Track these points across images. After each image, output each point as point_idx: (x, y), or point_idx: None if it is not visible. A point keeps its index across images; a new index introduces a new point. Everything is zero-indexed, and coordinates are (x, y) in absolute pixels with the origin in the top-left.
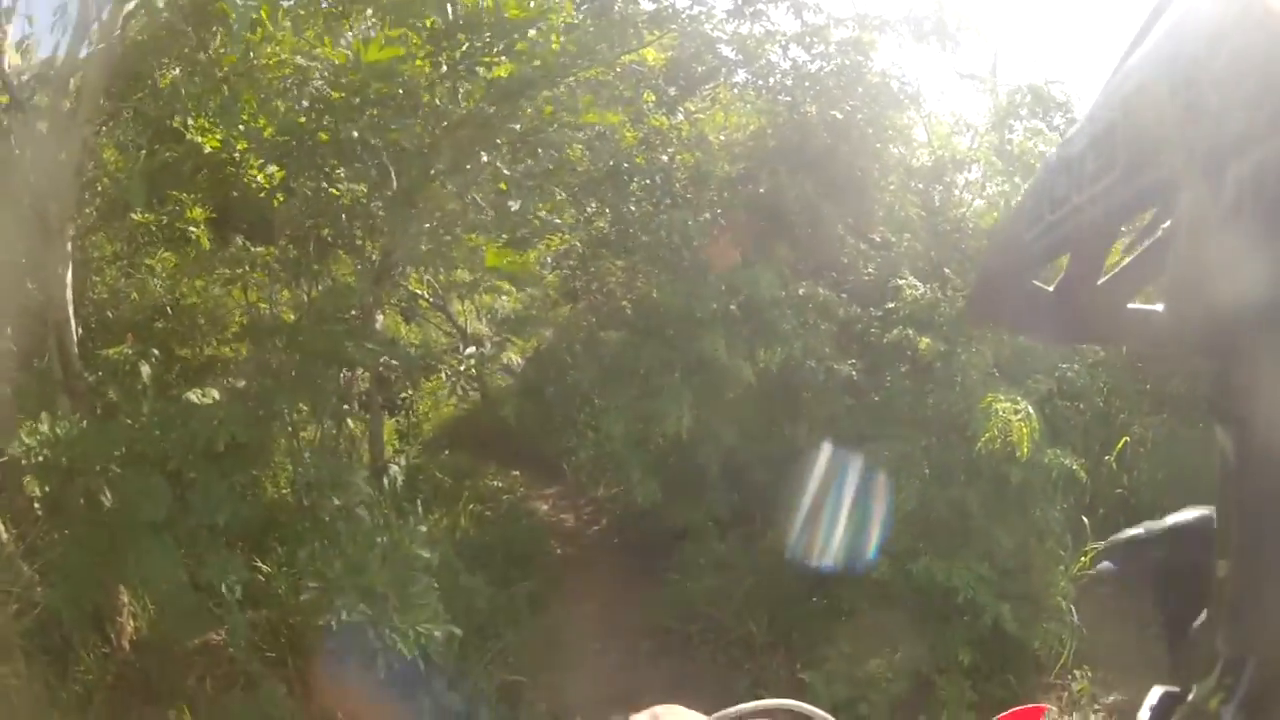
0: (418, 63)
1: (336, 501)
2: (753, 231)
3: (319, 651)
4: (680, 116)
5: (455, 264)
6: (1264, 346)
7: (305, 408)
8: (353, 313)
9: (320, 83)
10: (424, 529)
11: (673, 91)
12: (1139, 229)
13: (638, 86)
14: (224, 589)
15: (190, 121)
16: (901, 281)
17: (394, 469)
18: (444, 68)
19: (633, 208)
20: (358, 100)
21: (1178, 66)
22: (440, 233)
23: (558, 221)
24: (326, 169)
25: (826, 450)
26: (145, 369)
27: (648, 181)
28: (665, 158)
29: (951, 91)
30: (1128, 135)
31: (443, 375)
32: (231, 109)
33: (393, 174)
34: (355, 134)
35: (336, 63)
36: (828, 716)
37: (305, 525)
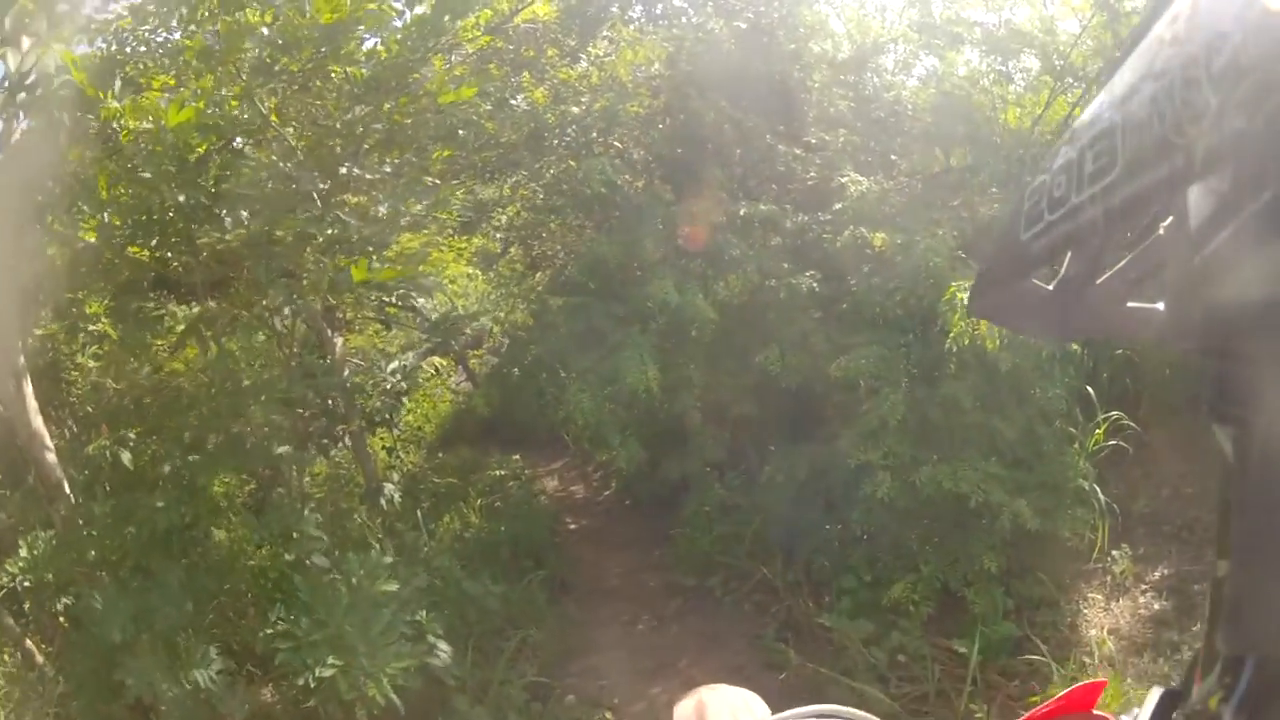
0: (232, 102)
1: (289, 556)
2: (681, 162)
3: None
4: (585, 64)
5: (331, 291)
6: (1264, 346)
7: (234, 475)
8: (275, 361)
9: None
10: (388, 560)
11: (571, 42)
12: (1139, 228)
13: (538, 44)
14: (206, 683)
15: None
16: (844, 179)
17: (388, 488)
18: (278, 93)
19: (555, 168)
20: (191, 158)
21: (1177, 66)
22: (313, 263)
23: (476, 193)
24: (185, 233)
25: (804, 370)
26: (126, 456)
27: (565, 136)
28: (578, 109)
29: None
30: (1128, 135)
31: (386, 399)
32: (87, 197)
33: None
34: (200, 198)
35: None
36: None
37: (266, 587)
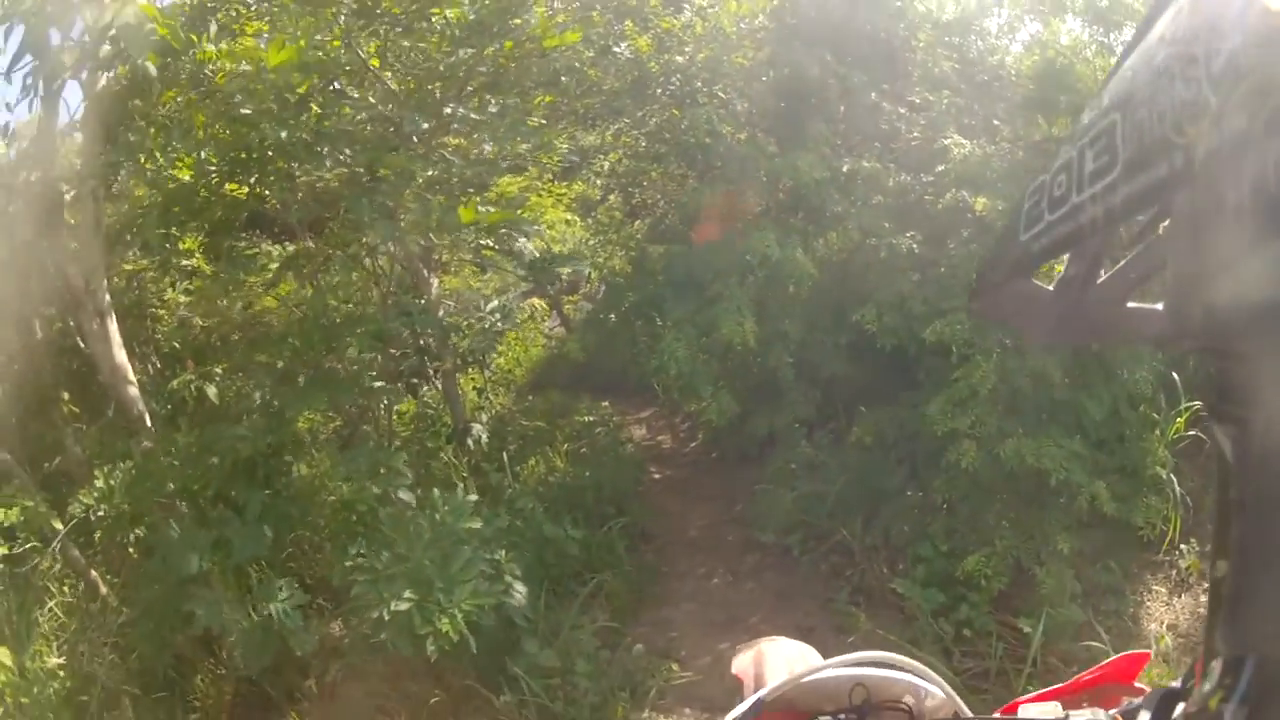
0: (333, 43)
1: (375, 490)
2: (785, 116)
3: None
4: (689, 14)
5: (436, 229)
6: (1264, 346)
7: (324, 409)
8: (374, 294)
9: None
10: (473, 499)
11: None
12: (1139, 228)
13: None
14: (280, 615)
15: (159, 158)
16: (948, 141)
17: (476, 428)
18: (382, 35)
19: (659, 117)
20: (292, 99)
21: (1177, 66)
22: (418, 199)
23: (578, 140)
24: (286, 170)
25: (899, 331)
26: (212, 390)
27: (670, 86)
28: (682, 58)
29: None
30: (1127, 135)
31: (481, 338)
32: (185, 134)
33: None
34: (301, 135)
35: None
36: (929, 673)
37: (350, 521)
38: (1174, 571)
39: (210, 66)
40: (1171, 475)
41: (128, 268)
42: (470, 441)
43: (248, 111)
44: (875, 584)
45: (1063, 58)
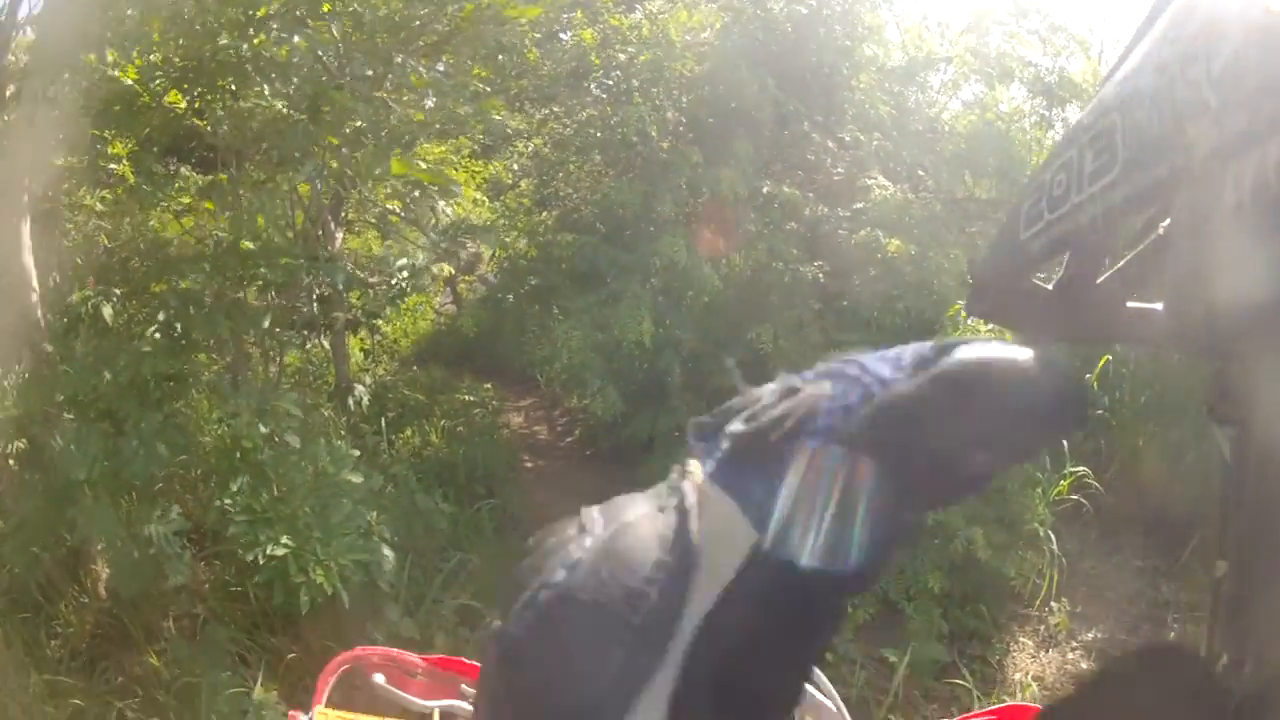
0: None
1: (264, 429)
2: (715, 130)
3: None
4: (639, 15)
5: (365, 175)
6: (1264, 347)
7: (228, 335)
8: (289, 234)
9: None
10: (356, 453)
11: None
12: (1138, 228)
13: None
14: (159, 539)
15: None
16: (871, 181)
17: (359, 389)
18: None
19: (590, 110)
20: (256, 14)
21: (1177, 66)
22: (356, 144)
23: (503, 120)
24: (233, 90)
25: (792, 356)
26: (107, 311)
27: (607, 82)
28: (624, 57)
29: None
30: (1127, 134)
31: (388, 291)
32: (137, 36)
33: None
34: (247, 50)
35: None
36: (825, 685)
37: (236, 458)
38: (1043, 626)
39: None
40: (1050, 533)
41: (58, 162)
42: (351, 401)
43: (205, 20)
44: None
45: (1001, 122)
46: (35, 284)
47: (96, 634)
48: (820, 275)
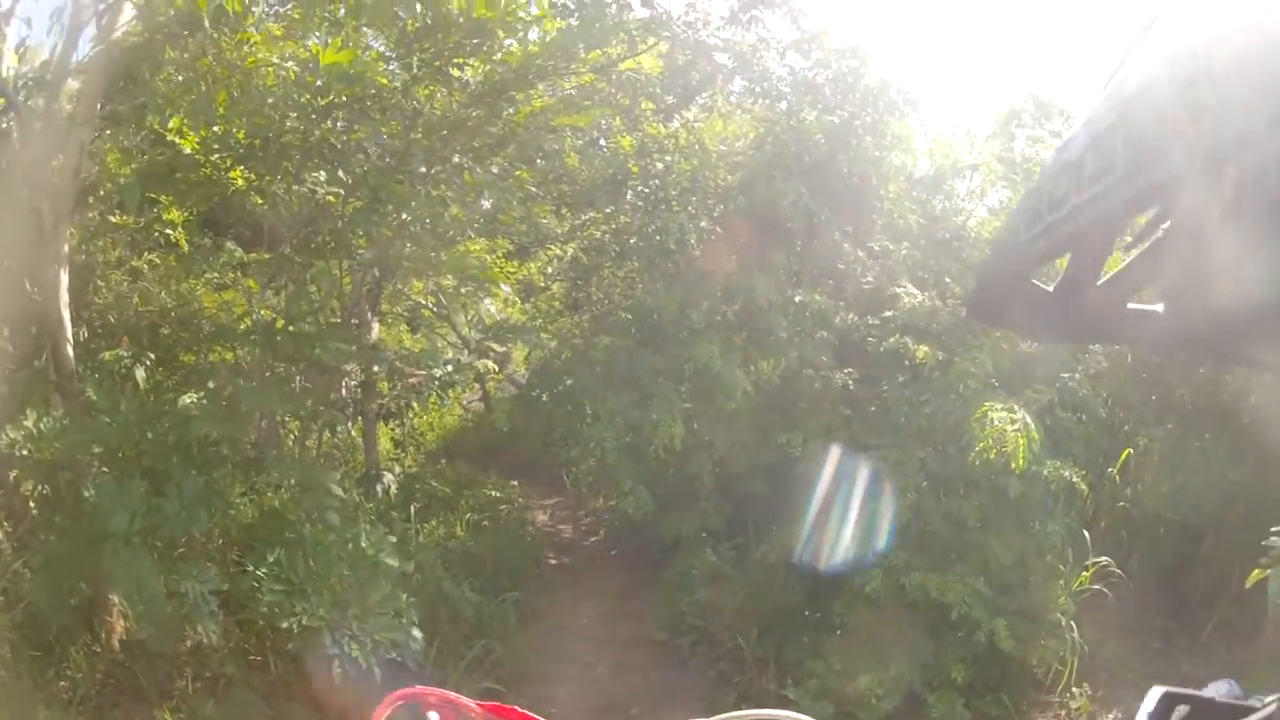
0: (377, 64)
1: (305, 503)
2: (750, 239)
3: (296, 658)
4: (677, 124)
5: (424, 269)
6: (1264, 348)
7: (277, 411)
8: (334, 319)
9: (286, 85)
10: (393, 539)
11: (670, 99)
12: (1139, 229)
13: (635, 94)
14: (195, 596)
15: (169, 124)
16: (899, 289)
17: (388, 477)
18: (414, 69)
19: (627, 217)
20: (322, 102)
21: (1178, 67)
22: (412, 237)
23: (545, 223)
24: (295, 172)
25: (821, 461)
26: (140, 372)
27: (644, 189)
28: (662, 165)
29: (953, 99)
30: (1128, 136)
31: (431, 382)
32: (205, 109)
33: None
34: (316, 135)
35: (301, 64)
36: None
37: (275, 529)
38: (1064, 712)
39: (246, 48)
40: (1072, 623)
41: (113, 220)
42: (379, 488)
43: (271, 101)
44: (763, 693)
45: None
46: (70, 334)
47: (107, 684)
48: (850, 382)
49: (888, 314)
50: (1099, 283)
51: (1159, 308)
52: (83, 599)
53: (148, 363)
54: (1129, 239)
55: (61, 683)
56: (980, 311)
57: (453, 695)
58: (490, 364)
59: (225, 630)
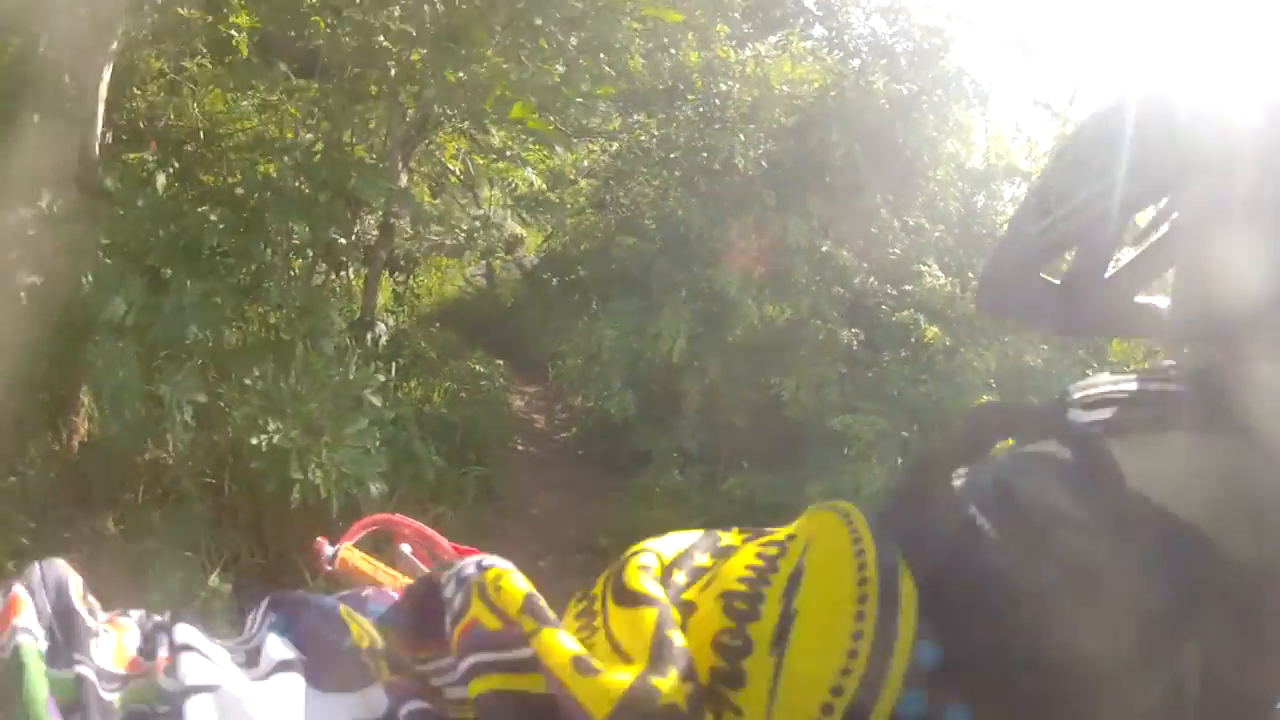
0: None
1: (302, 327)
2: (793, 180)
3: (254, 486)
4: (748, 53)
5: (487, 116)
6: (1265, 344)
7: (296, 229)
8: (372, 157)
9: None
10: (381, 378)
11: (747, 28)
12: (1147, 223)
13: (714, 14)
14: (175, 404)
15: None
16: (924, 267)
17: (381, 326)
18: None
19: (678, 128)
20: None
21: (1187, 66)
22: (480, 82)
23: (602, 109)
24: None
25: (807, 410)
26: (160, 179)
27: (701, 107)
28: (724, 87)
29: (1022, 109)
30: (1136, 131)
31: (452, 242)
32: None
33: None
34: None
35: None
36: None
37: (267, 346)
38: None
39: None
40: None
41: (180, 11)
42: (370, 336)
43: None
44: None
45: None
46: (99, 133)
47: (61, 484)
48: (854, 342)
49: (907, 288)
50: (1106, 276)
51: (1166, 301)
52: (53, 395)
53: (170, 170)
54: (1141, 228)
55: (12, 478)
56: (987, 302)
57: (429, 531)
58: (519, 230)
59: (190, 446)
